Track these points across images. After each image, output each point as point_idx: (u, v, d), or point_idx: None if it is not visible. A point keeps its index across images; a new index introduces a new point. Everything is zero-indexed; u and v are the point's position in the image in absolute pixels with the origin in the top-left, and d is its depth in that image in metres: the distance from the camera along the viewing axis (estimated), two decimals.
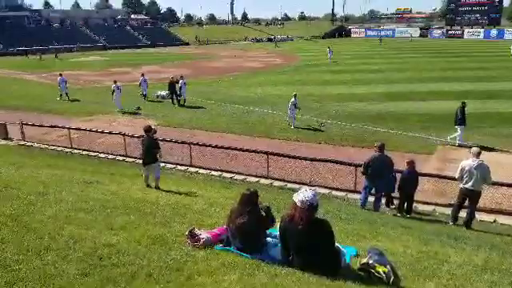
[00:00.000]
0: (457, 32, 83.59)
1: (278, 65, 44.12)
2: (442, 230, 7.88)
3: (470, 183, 8.27)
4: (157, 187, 8.90)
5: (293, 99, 17.77)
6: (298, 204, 3.88)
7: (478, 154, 8.26)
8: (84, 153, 14.87)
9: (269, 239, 4.53)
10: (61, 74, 25.71)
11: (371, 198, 9.66)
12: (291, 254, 4.11)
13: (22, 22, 78.10)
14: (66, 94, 25.06)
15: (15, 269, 3.63)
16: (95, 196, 6.90)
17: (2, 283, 3.39)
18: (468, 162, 8.32)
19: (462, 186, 8.47)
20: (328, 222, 4.06)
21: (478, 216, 9.46)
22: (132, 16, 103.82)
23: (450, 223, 8.75)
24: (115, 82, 22.47)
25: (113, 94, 22.02)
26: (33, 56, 58.32)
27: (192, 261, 4.08)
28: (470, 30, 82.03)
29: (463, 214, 8.85)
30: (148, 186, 8.99)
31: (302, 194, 3.91)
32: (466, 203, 8.63)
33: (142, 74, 25.77)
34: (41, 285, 3.40)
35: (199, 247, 4.44)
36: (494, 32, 78.33)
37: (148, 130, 9.29)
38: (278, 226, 4.24)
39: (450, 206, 9.30)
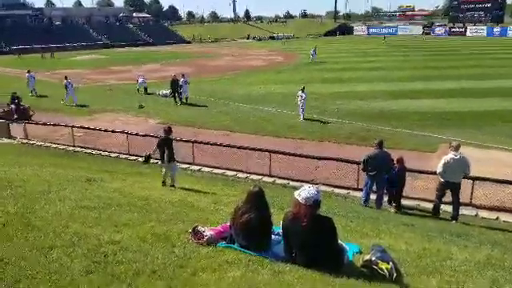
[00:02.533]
0: (459, 29, 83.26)
1: (280, 63, 44.09)
2: (444, 227, 7.89)
3: (452, 176, 8.70)
4: (172, 185, 9.11)
5: (300, 92, 18.44)
6: (302, 201, 3.89)
7: (457, 148, 8.73)
8: (87, 151, 14.92)
9: (272, 236, 4.55)
10: (29, 71, 26.85)
11: (373, 196, 9.67)
12: (294, 251, 4.13)
13: (25, 20, 78.25)
14: (34, 90, 26.13)
15: (21, 265, 3.66)
16: (99, 194, 6.92)
17: (8, 280, 3.42)
18: (450, 156, 8.70)
19: (443, 179, 8.85)
20: (331, 219, 4.07)
21: (481, 213, 9.51)
22: (134, 14, 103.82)
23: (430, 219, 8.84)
24: (66, 77, 23.62)
25: (66, 89, 23.18)
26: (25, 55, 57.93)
27: (196, 258, 4.10)
28: (473, 27, 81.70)
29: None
30: (164, 183, 9.15)
31: (306, 191, 3.92)
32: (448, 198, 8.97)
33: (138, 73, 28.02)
34: (46, 281, 3.43)
35: (203, 244, 4.46)
36: (496, 29, 78.00)
37: (169, 131, 9.49)
38: (281, 224, 4.25)
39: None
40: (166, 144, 9.38)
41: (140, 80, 26.73)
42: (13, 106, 19.32)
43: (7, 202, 5.78)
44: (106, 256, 3.99)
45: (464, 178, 9.02)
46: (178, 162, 12.98)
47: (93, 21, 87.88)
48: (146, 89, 26.60)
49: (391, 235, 6.01)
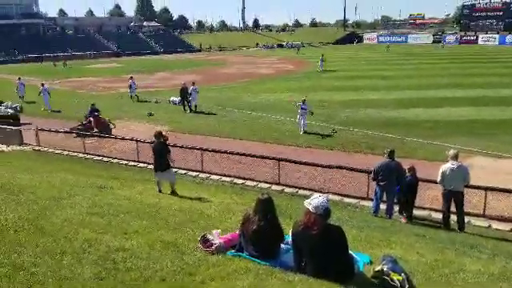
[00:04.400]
0: (471, 38, 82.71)
1: (289, 71, 44.18)
2: (456, 238, 7.77)
3: (452, 185, 8.58)
4: (173, 192, 8.87)
5: (301, 104, 17.91)
6: (312, 210, 3.87)
7: (456, 157, 8.62)
8: (97, 158, 15.04)
9: (281, 245, 4.52)
10: (19, 78, 27.95)
11: (384, 206, 9.58)
12: (304, 260, 4.09)
13: (38, 29, 79.69)
14: (23, 96, 26.93)
15: (32, 271, 3.69)
16: (109, 201, 6.97)
17: (20, 285, 3.44)
18: (448, 165, 8.58)
19: (444, 189, 8.74)
20: (341, 229, 4.04)
21: (494, 224, 9.35)
22: (144, 23, 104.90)
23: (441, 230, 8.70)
24: (42, 84, 24.93)
25: (39, 95, 24.16)
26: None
27: (205, 266, 4.10)
28: (485, 35, 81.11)
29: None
30: (160, 191, 8.96)
31: (316, 200, 3.90)
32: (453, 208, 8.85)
33: (131, 78, 27.87)
34: (57, 287, 3.45)
35: (212, 252, 4.45)
36: (509, 38, 77.28)
37: (158, 135, 9.24)
38: (291, 233, 4.23)
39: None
40: (159, 150, 9.12)
41: (132, 84, 27.19)
42: (91, 118, 18.08)
43: (19, 208, 5.84)
44: (116, 263, 4.01)
45: (468, 187, 8.91)
46: (186, 169, 13.14)
47: (104, 30, 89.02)
48: (131, 96, 27.24)
49: (402, 246, 5.93)
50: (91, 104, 19.34)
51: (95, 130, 17.57)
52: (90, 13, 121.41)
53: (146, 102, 26.40)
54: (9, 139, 16.81)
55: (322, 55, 42.60)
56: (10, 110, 21.39)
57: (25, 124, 19.38)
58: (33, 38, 73.15)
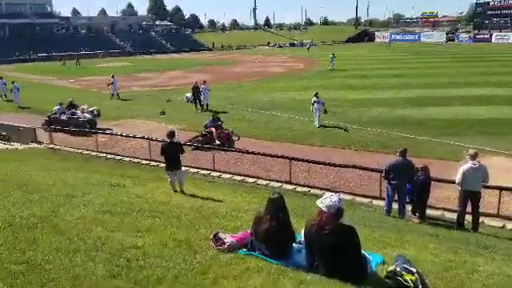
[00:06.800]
0: (485, 36, 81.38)
1: (301, 70, 44.02)
2: (470, 238, 7.67)
3: (472, 185, 8.51)
4: (182, 191, 8.96)
5: (314, 98, 18.33)
6: (325, 209, 3.85)
7: (475, 156, 8.54)
8: (110, 156, 15.17)
9: (293, 245, 4.51)
10: (1, 78, 29.10)
11: (396, 205, 9.48)
12: (316, 260, 4.07)
13: (52, 28, 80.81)
14: (5, 95, 28.04)
15: (46, 269, 3.73)
16: (121, 199, 7.03)
17: (34, 282, 3.49)
18: (468, 165, 8.49)
19: (463, 189, 8.64)
20: (354, 229, 4.01)
21: (508, 225, 9.20)
22: (157, 22, 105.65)
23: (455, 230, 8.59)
24: (13, 82, 26.23)
25: (11, 92, 25.95)
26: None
27: (217, 264, 4.11)
28: (499, 33, 79.74)
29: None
30: (175, 190, 9.02)
31: (328, 200, 3.88)
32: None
33: (113, 76, 28.38)
34: (71, 285, 3.49)
35: (223, 251, 4.46)
36: None
37: (171, 135, 9.29)
38: (303, 232, 4.21)
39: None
40: (170, 150, 9.14)
41: (114, 82, 27.72)
42: (213, 129, 16.37)
43: (33, 206, 5.93)
44: (129, 261, 4.04)
45: (486, 187, 8.78)
46: (198, 168, 13.17)
47: (117, 29, 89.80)
48: (112, 95, 27.78)
49: (415, 246, 5.87)
50: (212, 113, 18.18)
51: (217, 142, 15.79)
52: (103, 12, 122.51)
53: (127, 100, 26.99)
54: (23, 137, 17.07)
55: (333, 54, 42.38)
56: (87, 115, 19.40)
57: (102, 129, 18.42)
58: (47, 37, 74.16)
